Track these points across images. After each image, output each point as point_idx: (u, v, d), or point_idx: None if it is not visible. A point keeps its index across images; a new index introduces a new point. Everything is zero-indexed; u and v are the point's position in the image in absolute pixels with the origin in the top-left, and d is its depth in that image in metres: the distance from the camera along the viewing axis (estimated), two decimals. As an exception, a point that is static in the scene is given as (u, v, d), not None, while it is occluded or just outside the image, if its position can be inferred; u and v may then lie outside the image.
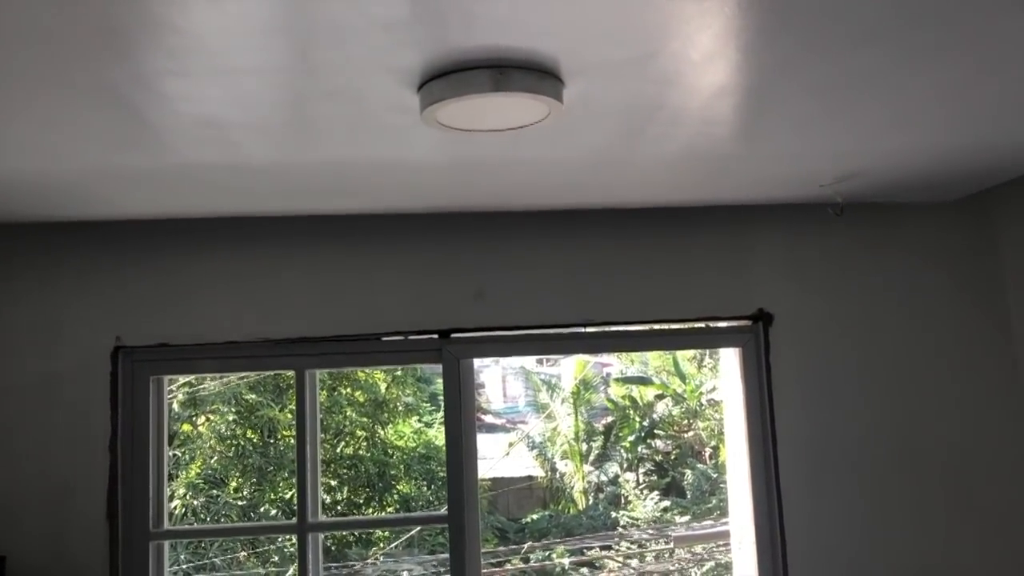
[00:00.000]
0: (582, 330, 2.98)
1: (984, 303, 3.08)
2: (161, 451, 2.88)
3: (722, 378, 3.33)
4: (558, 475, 14.17)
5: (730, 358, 3.16)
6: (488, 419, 18.04)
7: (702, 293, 3.00)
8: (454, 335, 2.93)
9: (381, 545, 10.72)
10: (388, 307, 2.90)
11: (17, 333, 2.78)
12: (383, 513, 11.09)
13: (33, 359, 2.77)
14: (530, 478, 14.58)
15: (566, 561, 11.12)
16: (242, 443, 9.80)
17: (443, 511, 2.92)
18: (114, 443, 2.76)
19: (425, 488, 11.25)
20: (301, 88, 1.68)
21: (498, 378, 22.69)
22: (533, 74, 1.61)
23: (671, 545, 11.02)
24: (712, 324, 3.06)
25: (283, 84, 1.66)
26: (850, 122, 2.05)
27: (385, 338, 2.91)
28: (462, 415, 2.91)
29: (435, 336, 2.92)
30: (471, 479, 2.89)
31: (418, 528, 10.86)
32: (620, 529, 12.03)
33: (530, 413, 17.26)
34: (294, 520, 2.89)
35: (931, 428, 3.01)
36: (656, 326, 3.02)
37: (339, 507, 10.41)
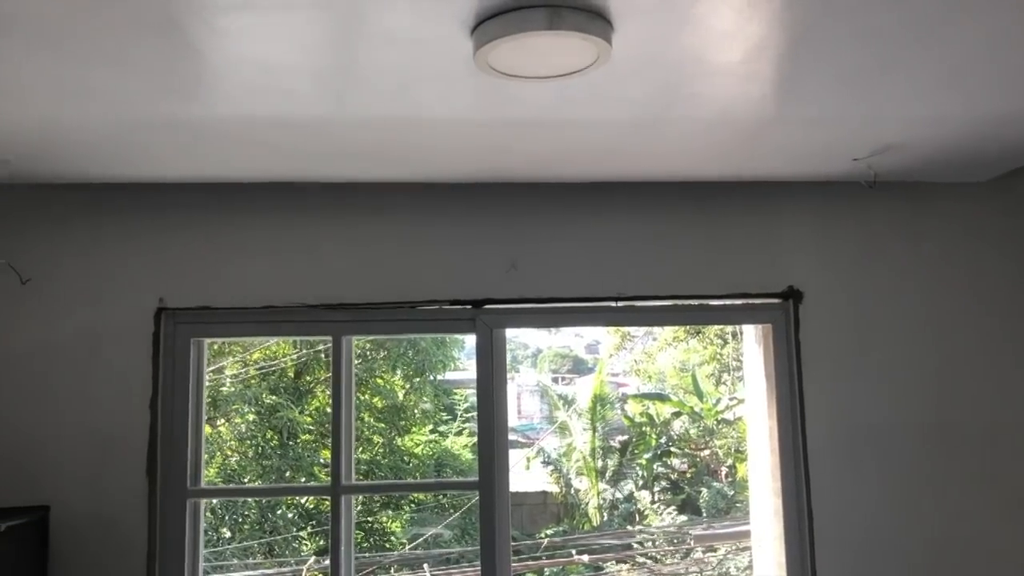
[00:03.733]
0: (613, 304, 3.03)
1: (1014, 282, 3.10)
2: (200, 411, 2.94)
3: (746, 355, 3.35)
4: (572, 491, 14.12)
5: (755, 335, 3.19)
6: (503, 435, 17.98)
7: (732, 270, 3.04)
8: (487, 306, 2.98)
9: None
10: (424, 276, 2.96)
11: (64, 292, 2.86)
12: (397, 523, 11.13)
13: (79, 318, 2.84)
14: (545, 494, 14.53)
15: (585, 557, 11.06)
16: (262, 444, 9.88)
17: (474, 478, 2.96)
18: (155, 402, 2.82)
19: (442, 497, 11.28)
20: (356, 27, 1.73)
21: (513, 395, 22.70)
22: (584, 14, 1.68)
23: (690, 542, 10.96)
24: (742, 301, 3.09)
25: (339, 22, 1.71)
26: (894, 79, 2.05)
27: (421, 307, 2.97)
28: (493, 383, 2.96)
29: (469, 306, 2.98)
30: (502, 446, 2.93)
31: (432, 532, 10.87)
32: (636, 532, 11.95)
33: (545, 430, 17.23)
34: (327, 484, 2.95)
35: (961, 406, 3.03)
36: (686, 302, 3.07)
37: (354, 514, 10.44)
